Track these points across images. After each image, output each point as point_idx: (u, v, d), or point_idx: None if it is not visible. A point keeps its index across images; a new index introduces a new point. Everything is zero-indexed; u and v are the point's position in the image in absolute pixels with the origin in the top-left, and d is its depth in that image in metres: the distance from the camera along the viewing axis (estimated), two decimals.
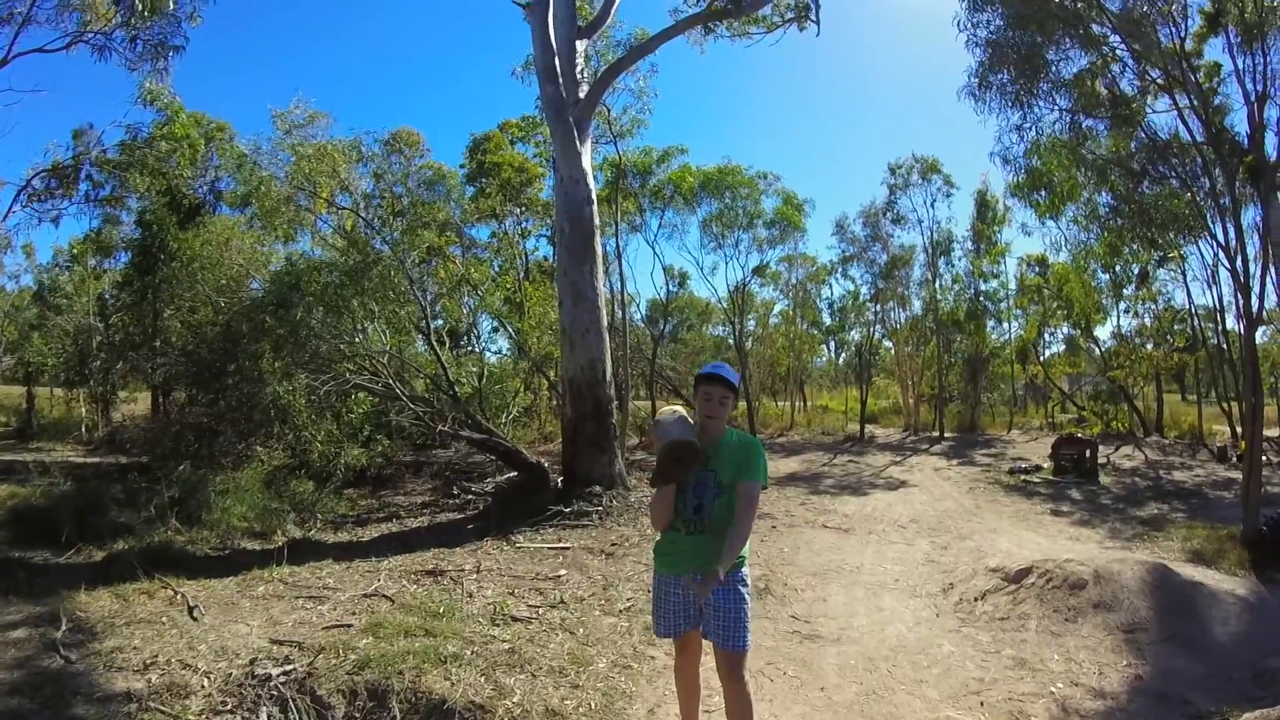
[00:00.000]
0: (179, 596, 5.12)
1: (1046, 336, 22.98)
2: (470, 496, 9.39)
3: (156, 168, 13.39)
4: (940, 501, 9.83)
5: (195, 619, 4.75)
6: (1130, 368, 19.01)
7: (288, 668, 4.03)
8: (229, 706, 3.73)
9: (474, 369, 12.02)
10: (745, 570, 3.02)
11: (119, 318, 14.16)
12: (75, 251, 18.62)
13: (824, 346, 30.94)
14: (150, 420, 13.46)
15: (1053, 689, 4.06)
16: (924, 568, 6.53)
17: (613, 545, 6.99)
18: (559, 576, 5.97)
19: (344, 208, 10.70)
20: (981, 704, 3.92)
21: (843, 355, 31.97)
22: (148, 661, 4.02)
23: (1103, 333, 21.93)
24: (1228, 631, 4.54)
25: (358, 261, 9.31)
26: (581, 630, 4.78)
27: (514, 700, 3.77)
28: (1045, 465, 12.39)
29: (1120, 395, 19.53)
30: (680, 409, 3.09)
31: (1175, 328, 19.40)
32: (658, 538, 3.17)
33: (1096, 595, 4.95)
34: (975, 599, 5.45)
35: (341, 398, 9.20)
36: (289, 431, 8.65)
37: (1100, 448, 12.86)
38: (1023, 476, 11.77)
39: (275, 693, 3.84)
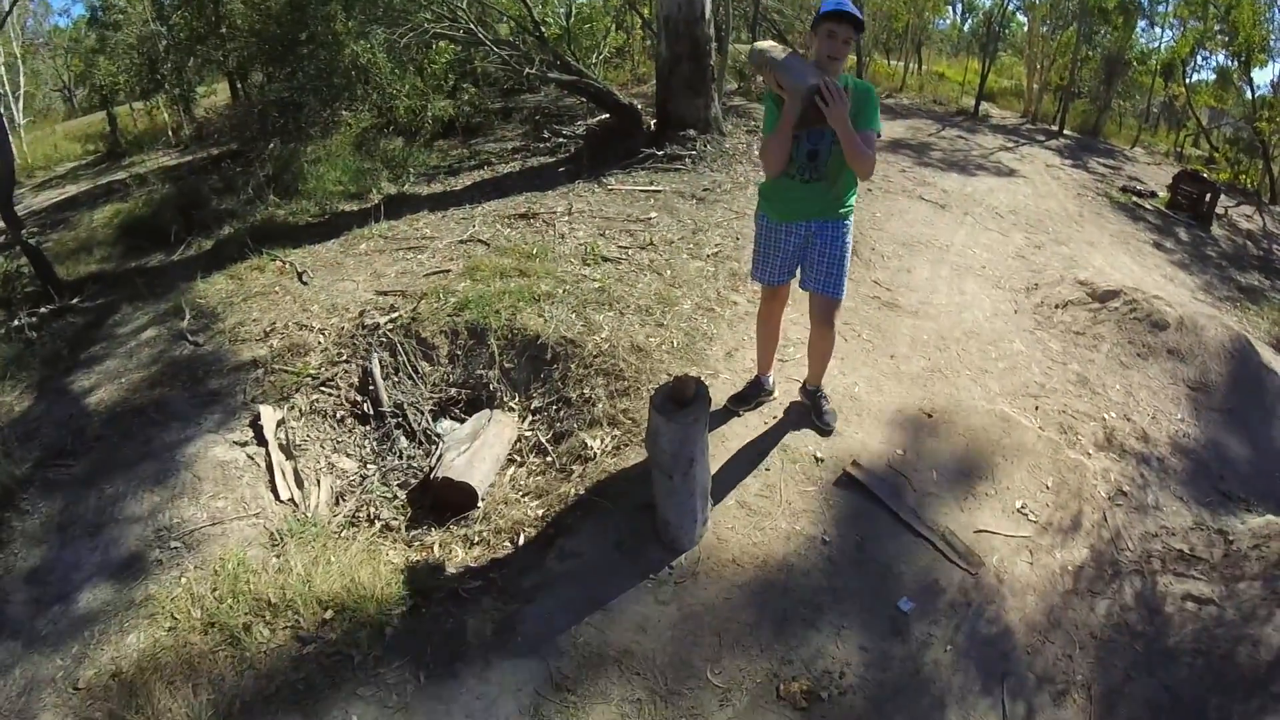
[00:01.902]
0: (287, 265, 5.37)
1: (1199, 59, 19.67)
2: (561, 140, 9.11)
3: None
4: (1045, 200, 9.18)
5: (305, 283, 5.04)
6: (1279, 125, 16.47)
7: (393, 315, 4.38)
8: (344, 357, 4.15)
9: (560, 8, 11.13)
10: (851, 221, 3.03)
11: (179, 15, 13.26)
12: None
13: (949, 8, 27.39)
14: (232, 107, 13.29)
15: (1106, 416, 4.12)
16: (1013, 261, 6.30)
17: (704, 190, 6.79)
18: (649, 219, 5.96)
19: None
20: (1036, 408, 4.04)
21: (969, 22, 28.35)
22: (267, 330, 4.38)
23: (1261, 77, 18.67)
24: None
25: None
26: (669, 272, 4.90)
27: (602, 336, 4.04)
28: (1161, 194, 11.35)
29: (1259, 150, 17.19)
30: (775, 43, 2.87)
31: None
32: (763, 181, 3.11)
33: (1174, 341, 4.81)
34: (1056, 306, 5.35)
35: (422, 49, 8.70)
36: (372, 91, 8.39)
37: (1222, 196, 11.61)
38: (1135, 198, 10.88)
39: (384, 339, 4.23)
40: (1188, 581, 3.27)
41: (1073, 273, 6.03)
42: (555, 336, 4.05)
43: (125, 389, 4.04)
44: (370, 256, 5.48)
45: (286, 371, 4.05)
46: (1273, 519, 3.56)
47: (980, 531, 3.16)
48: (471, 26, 8.20)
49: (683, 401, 2.63)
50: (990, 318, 5.04)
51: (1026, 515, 3.32)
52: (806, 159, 2.88)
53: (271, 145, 8.28)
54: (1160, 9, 19.28)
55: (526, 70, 8.23)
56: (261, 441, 3.64)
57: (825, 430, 3.48)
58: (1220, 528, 3.56)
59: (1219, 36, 17.93)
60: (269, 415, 3.77)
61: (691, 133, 8.16)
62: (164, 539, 3.10)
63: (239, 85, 13.62)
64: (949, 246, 6.34)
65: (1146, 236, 9.04)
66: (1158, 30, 19.81)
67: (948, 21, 29.74)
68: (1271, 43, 17.22)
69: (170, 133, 14.16)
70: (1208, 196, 10.88)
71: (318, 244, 5.87)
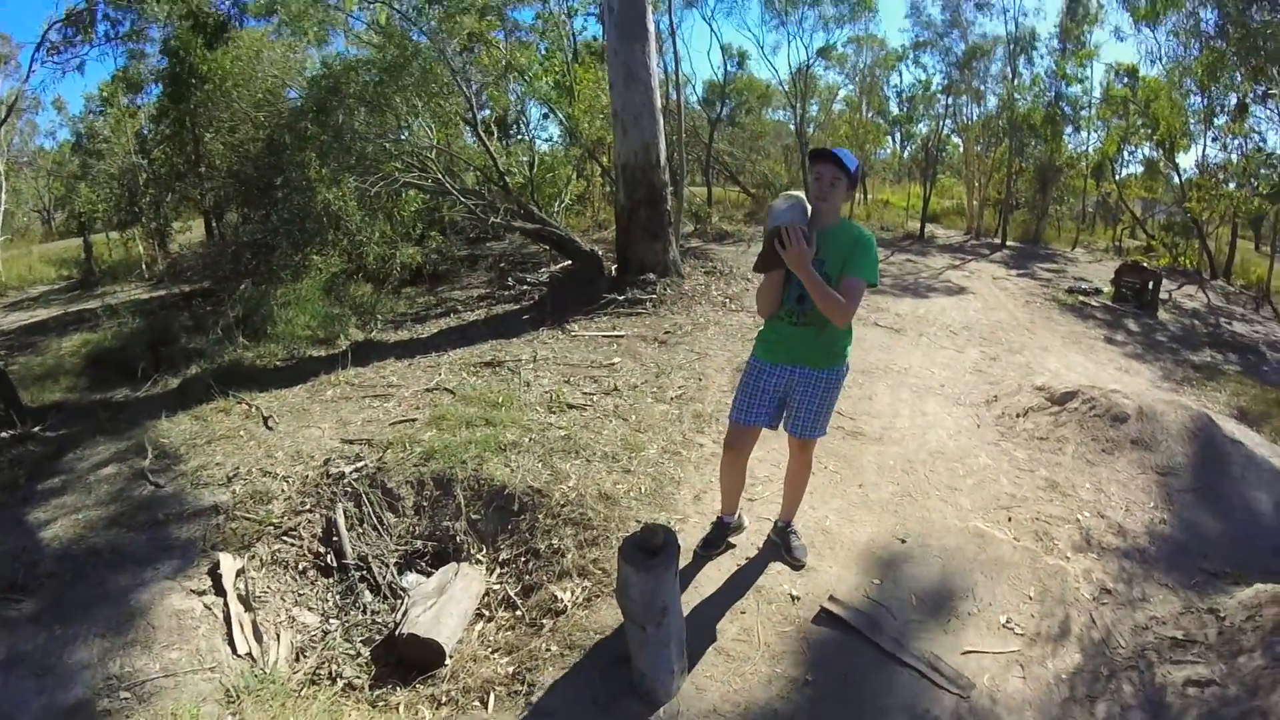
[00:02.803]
0: (253, 410, 5.36)
1: (1125, 154, 21.12)
2: (525, 287, 9.43)
3: None
4: (995, 311, 9.62)
5: (270, 428, 5.00)
6: (1208, 203, 17.55)
7: (359, 464, 4.32)
8: (308, 506, 4.07)
9: (524, 158, 11.69)
10: (843, 368, 3.05)
11: (160, 150, 13.92)
12: (106, 95, 18.00)
13: (889, 138, 29.15)
14: (206, 246, 13.63)
15: (1079, 517, 4.15)
16: (971, 376, 6.52)
17: (666, 333, 7.00)
18: (613, 364, 6.07)
19: (375, 0, 10.00)
20: (1009, 519, 4.06)
21: (908, 149, 30.05)
22: (230, 474, 4.31)
23: (1185, 161, 20.12)
24: (1258, 497, 4.49)
25: (396, 55, 8.80)
26: (634, 417, 4.94)
27: (569, 485, 4.01)
28: (1105, 289, 11.90)
29: (1193, 230, 18.23)
30: (798, 194, 2.89)
31: (1262, 172, 17.56)
32: (761, 324, 3.15)
33: (1136, 431, 4.91)
34: (1017, 415, 5.47)
35: (392, 197, 9.09)
36: (343, 236, 8.70)
37: (1164, 281, 12.23)
38: (1081, 297, 11.38)
39: (349, 489, 4.16)
40: (1186, 667, 3.18)
41: (1030, 380, 6.21)
42: (522, 486, 4.02)
43: (82, 525, 3.94)
44: (337, 403, 5.48)
45: (248, 519, 3.95)
46: (1260, 587, 3.52)
47: (968, 652, 3.09)
48: (440, 176, 8.61)
49: (652, 550, 2.60)
50: (954, 435, 5.13)
51: (1013, 629, 3.26)
52: (795, 302, 2.91)
53: (243, 286, 8.42)
54: (1084, 114, 20.49)
55: (492, 219, 8.59)
56: (220, 591, 3.50)
57: (797, 565, 3.44)
58: (1210, 606, 3.51)
59: (1142, 130, 19.21)
60: (228, 564, 3.64)
61: (651, 276, 8.49)
62: (113, 688, 2.93)
63: (214, 224, 13.93)
64: (907, 369, 6.54)
65: (1097, 333, 9.38)
66: (1084, 134, 21.12)
67: (888, 150, 31.81)
68: (1191, 126, 18.25)
69: (144, 266, 14.30)
70: (1150, 284, 11.38)
71: (285, 389, 5.87)
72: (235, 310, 7.76)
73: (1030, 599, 3.44)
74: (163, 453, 4.71)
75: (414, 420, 4.94)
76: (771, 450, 4.32)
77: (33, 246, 20.57)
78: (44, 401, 5.85)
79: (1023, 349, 7.77)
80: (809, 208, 2.84)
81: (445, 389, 5.58)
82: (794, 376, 3.03)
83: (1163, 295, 11.85)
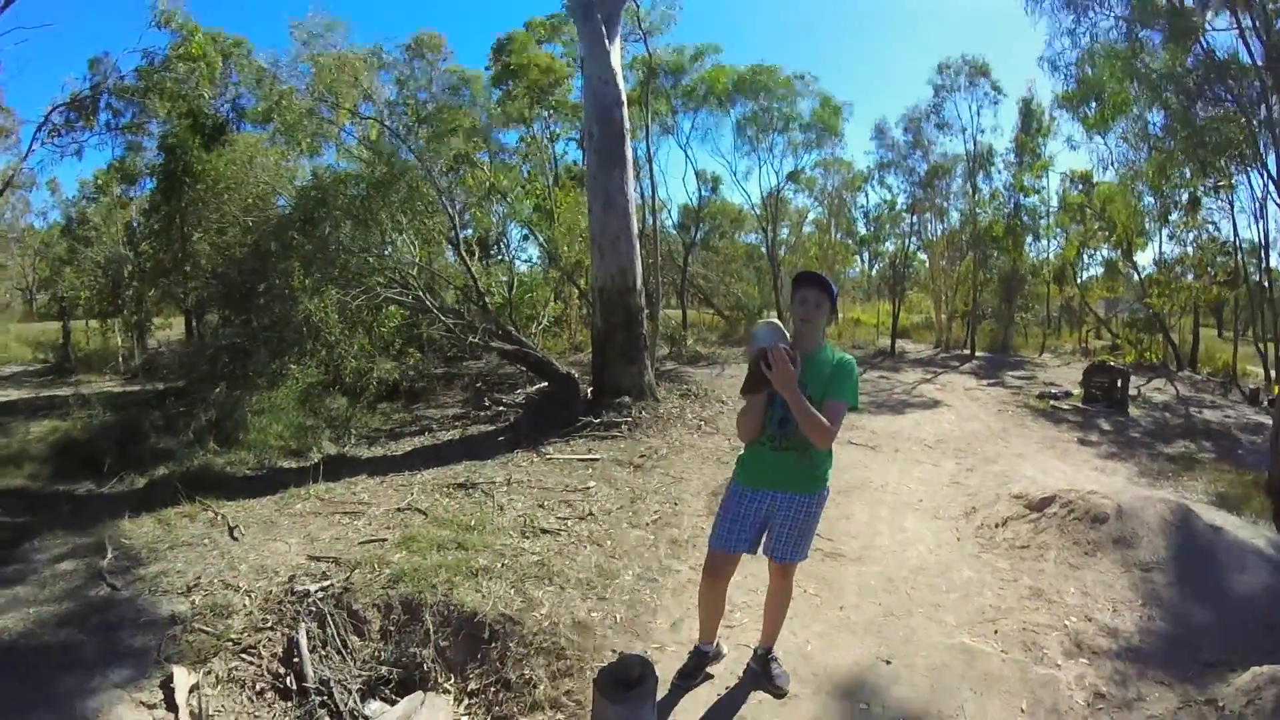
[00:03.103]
0: (219, 518, 5.27)
1: (1085, 258, 22.17)
2: (501, 408, 9.48)
3: (175, 90, 13.13)
4: (968, 422, 9.78)
5: (236, 539, 4.90)
6: (1169, 297, 18.36)
7: (325, 583, 4.19)
8: (269, 623, 3.91)
9: (504, 278, 11.98)
10: (824, 492, 3.02)
11: (148, 244, 14.24)
12: (100, 182, 18.58)
13: (857, 257, 30.35)
14: (185, 345, 13.73)
15: (1067, 622, 4.09)
16: (948, 489, 6.54)
17: (641, 457, 7.02)
18: (588, 489, 6.04)
19: (367, 117, 10.49)
20: (996, 632, 3.98)
21: (876, 267, 31.27)
22: (191, 584, 4.19)
23: (1143, 258, 21.10)
24: (1245, 580, 4.52)
25: (384, 173, 9.18)
26: (609, 543, 4.88)
27: (543, 612, 3.89)
28: (1076, 391, 12.21)
29: (1156, 325, 18.98)
30: (777, 320, 2.97)
31: (1218, 260, 18.53)
32: (741, 449, 3.14)
33: (1117, 531, 4.93)
34: (997, 525, 5.47)
35: (372, 312, 9.23)
36: (321, 348, 8.73)
37: (1132, 378, 12.61)
38: (1052, 402, 11.64)
39: (314, 608, 4.01)
40: None
41: (1007, 489, 6.20)
42: (493, 613, 3.89)
43: (32, 621, 3.78)
44: (305, 518, 5.37)
45: (206, 632, 3.77)
46: (1257, 670, 3.44)
47: None
48: (420, 293, 8.78)
49: (628, 682, 2.53)
50: (934, 550, 5.10)
51: None
52: (777, 426, 2.91)
53: (218, 389, 8.40)
54: (1043, 222, 21.45)
55: (470, 338, 8.73)
56: (171, 706, 3.31)
57: (780, 694, 3.32)
58: (1209, 698, 3.43)
59: (1100, 233, 20.09)
60: (182, 678, 3.45)
61: (627, 399, 8.60)
62: None
63: (194, 323, 14.01)
64: (884, 486, 6.58)
65: (1071, 436, 9.52)
66: (1044, 242, 22.13)
67: (857, 270, 33.16)
68: (1146, 225, 19.16)
69: (121, 358, 14.23)
70: (1119, 382, 11.69)
71: (253, 498, 5.79)
72: (208, 413, 7.72)
73: (1023, 712, 3.35)
74: (123, 554, 4.61)
75: (384, 540, 4.82)
76: (749, 575, 4.23)
77: (11, 325, 20.45)
78: (6, 486, 5.79)
79: (998, 458, 7.84)
80: (788, 333, 2.91)
81: (417, 509, 5.49)
82: (775, 501, 3.01)
83: (1132, 392, 12.16)
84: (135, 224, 16.09)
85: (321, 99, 9.77)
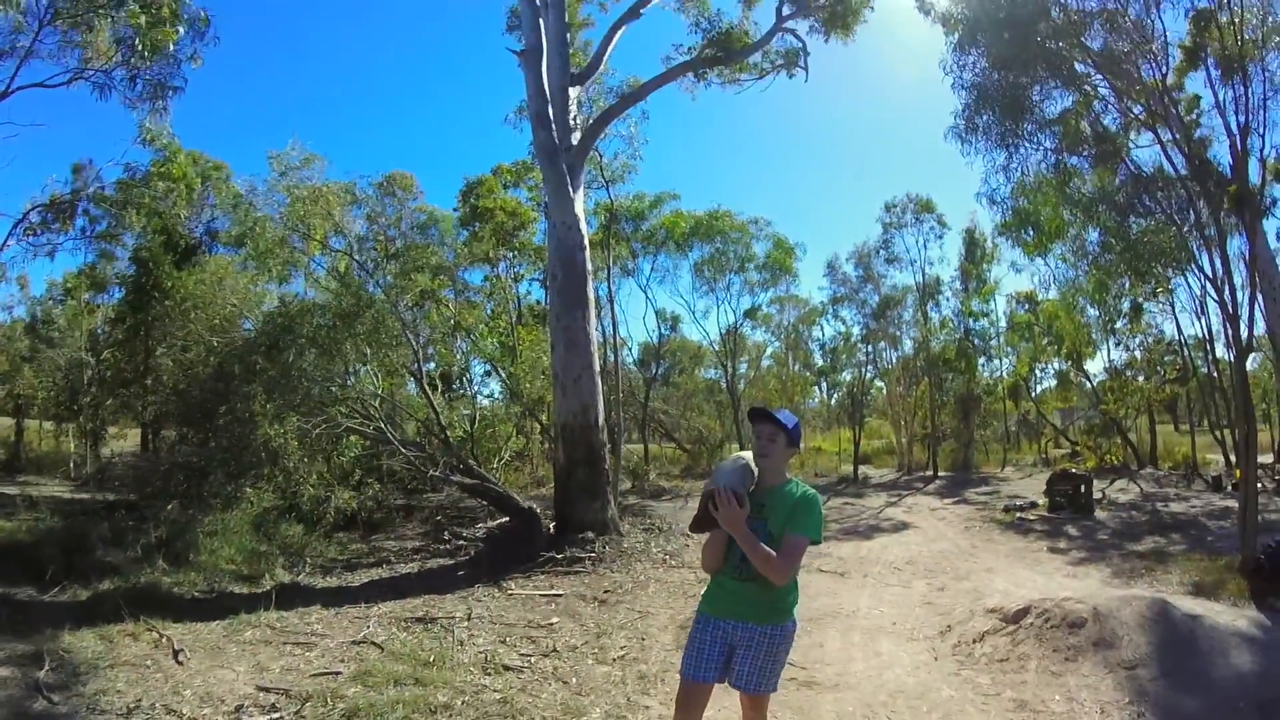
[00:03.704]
0: (164, 640, 5.09)
1: (1038, 372, 23.14)
2: (462, 542, 9.30)
3: (153, 207, 13.48)
4: (936, 542, 9.77)
5: (180, 663, 4.70)
6: (1122, 400, 19.07)
7: (274, 715, 3.97)
8: None
9: (466, 413, 12.00)
10: (790, 624, 2.95)
11: (111, 353, 14.15)
12: (69, 286, 18.68)
13: (816, 388, 31.07)
14: (139, 457, 13.41)
15: None
16: (921, 610, 6.47)
17: (605, 592, 6.94)
18: (551, 624, 5.91)
19: (338, 250, 10.77)
20: None
21: (835, 396, 32.04)
22: (131, 705, 3.98)
23: (1094, 366, 22.04)
24: (1229, 663, 4.52)
25: (351, 304, 9.35)
26: (574, 679, 4.70)
27: None
28: (1040, 502, 12.37)
29: (1113, 428, 19.59)
30: (746, 455, 3.00)
31: (1166, 359, 19.51)
32: (706, 580, 3.09)
33: (1096, 633, 4.91)
34: (973, 641, 5.39)
35: (333, 440, 9.12)
36: (279, 473, 8.56)
37: (1095, 482, 12.87)
38: (1018, 514, 11.74)
39: None
40: None
41: (980, 604, 6.16)
42: None
43: None
44: (255, 646, 5.16)
45: None
46: None
47: None
48: (382, 424, 8.78)
49: None
50: (912, 671, 4.97)
51: None
52: (740, 560, 2.88)
53: (170, 506, 8.20)
54: (994, 343, 22.45)
55: (431, 471, 8.67)
56: None
57: None
58: None
59: (1049, 348, 20.93)
60: None
61: (590, 534, 8.57)
62: None
63: (151, 437, 13.72)
64: (855, 611, 6.51)
65: (1040, 545, 9.55)
66: (996, 361, 23.04)
67: (817, 400, 34.01)
68: (1093, 335, 19.95)
69: (73, 464, 13.68)
70: (1082, 488, 11.88)
71: (201, 622, 5.65)
72: (159, 530, 7.52)
73: None
74: (61, 666, 4.45)
75: (338, 673, 4.58)
76: (723, 709, 4.07)
77: None
78: None
79: (969, 574, 7.80)
80: (755, 469, 2.95)
81: (373, 642, 5.29)
82: (737, 632, 2.94)
83: (1096, 495, 12.33)
84: (100, 331, 16.03)
85: (294, 229, 10.04)
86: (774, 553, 2.73)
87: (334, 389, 8.87)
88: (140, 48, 8.23)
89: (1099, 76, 8.24)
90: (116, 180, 13.59)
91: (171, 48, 8.53)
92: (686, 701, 3.02)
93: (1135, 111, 8.33)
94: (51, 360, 14.84)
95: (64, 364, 14.29)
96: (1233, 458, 15.17)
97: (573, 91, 10.52)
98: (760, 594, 2.84)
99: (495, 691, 4.37)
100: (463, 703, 4.16)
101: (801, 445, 3.25)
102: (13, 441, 15.25)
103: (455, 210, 21.04)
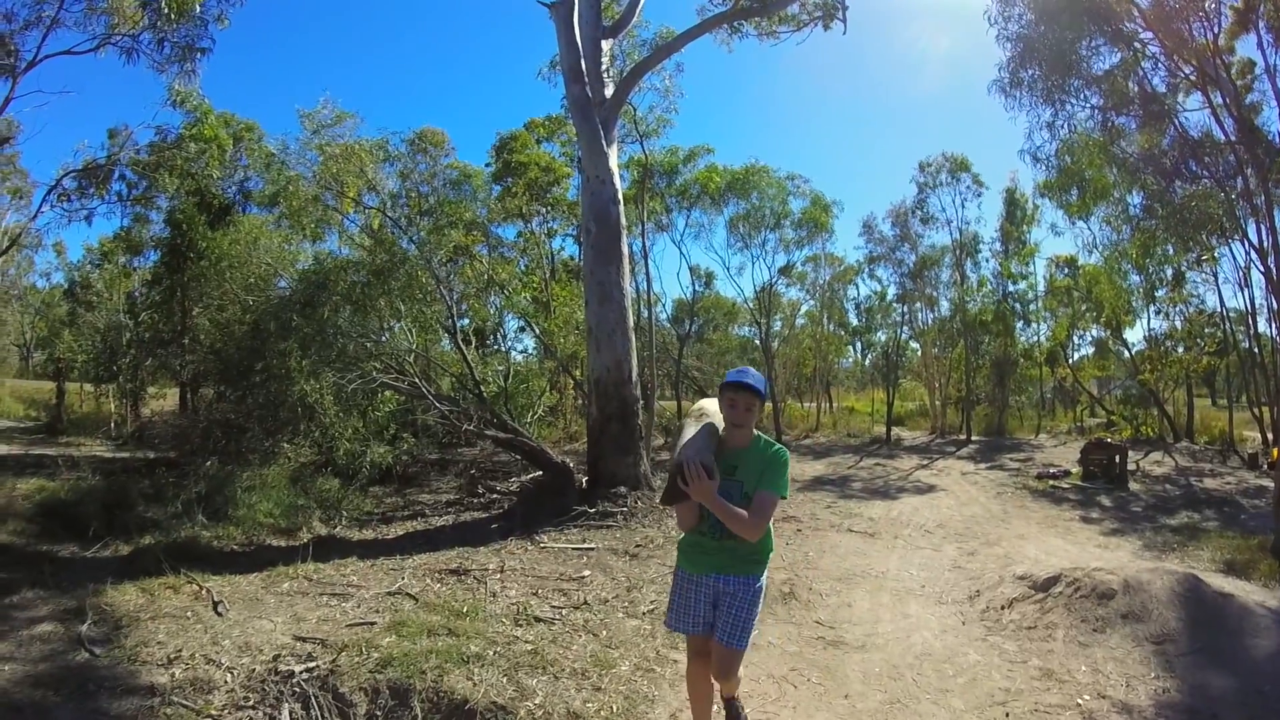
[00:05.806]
0: (204, 592, 5.17)
1: (1075, 339, 22.54)
2: (495, 496, 9.41)
3: (185, 168, 13.61)
4: (967, 506, 9.69)
5: (220, 614, 4.79)
6: (1160, 371, 18.56)
7: (310, 664, 4.05)
8: (251, 702, 3.76)
9: (499, 368, 12.05)
10: (763, 579, 3.01)
11: (148, 315, 14.44)
12: (105, 250, 19.03)
13: (850, 348, 30.74)
14: (178, 416, 13.70)
15: (1079, 701, 3.98)
16: (950, 574, 6.44)
17: (637, 546, 6.97)
18: (583, 577, 5.96)
19: (371, 207, 10.78)
20: (1007, 715, 3.86)
21: (869, 357, 31.70)
22: (172, 656, 4.08)
23: (1133, 335, 21.42)
24: (1258, 644, 4.45)
25: (384, 261, 9.38)
26: (605, 632, 4.76)
27: (536, 702, 3.76)
28: (1074, 470, 12.18)
29: (1150, 399, 19.12)
30: (710, 408, 3.02)
31: (1206, 331, 18.85)
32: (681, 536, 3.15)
33: (1125, 605, 4.87)
34: (1002, 607, 5.37)
35: (368, 396, 9.22)
36: (315, 429, 8.71)
37: (1130, 453, 12.61)
38: (1051, 482, 11.58)
39: (298, 689, 3.86)
40: None
41: (1010, 570, 6.12)
42: (485, 702, 3.73)
43: (6, 679, 3.67)
44: (293, 597, 5.26)
45: (185, 706, 3.59)
46: None
47: None
48: (416, 380, 8.83)
49: None
50: (939, 635, 4.97)
51: None
52: (716, 520, 2.92)
53: (209, 463, 8.35)
54: (1032, 307, 21.84)
55: (465, 426, 8.72)
56: None
57: None
58: None
59: (1088, 315, 20.39)
60: None
61: (622, 489, 8.59)
62: None
63: (189, 396, 14.03)
64: (885, 573, 6.48)
65: (1072, 514, 9.43)
66: (1034, 326, 22.45)
67: (850, 360, 33.59)
68: (1133, 303, 19.43)
69: (113, 424, 14.12)
70: (1117, 459, 11.69)
71: (239, 574, 5.71)
72: (198, 486, 7.64)
73: None
74: (104, 620, 4.52)
75: (373, 623, 4.68)
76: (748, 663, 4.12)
77: (6, 380, 20.32)
78: None
79: (1000, 540, 7.74)
80: (720, 425, 2.97)
81: (408, 594, 5.37)
82: (720, 584, 3.00)
83: (1130, 467, 12.13)
84: (137, 294, 16.37)
85: (327, 187, 10.04)
86: (745, 514, 2.78)
87: (368, 345, 8.93)
88: (166, 10, 8.22)
89: (1148, 34, 7.84)
90: (149, 143, 13.76)
91: (197, 9, 8.51)
92: (695, 648, 3.16)
93: (1185, 72, 7.94)
94: (90, 324, 15.17)
95: (103, 327, 14.58)
96: (1270, 436, 14.78)
97: (605, 44, 10.29)
98: (739, 548, 2.92)
99: (526, 643, 4.44)
100: (495, 653, 4.23)
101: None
102: (54, 404, 15.71)
103: (488, 165, 20.96)
